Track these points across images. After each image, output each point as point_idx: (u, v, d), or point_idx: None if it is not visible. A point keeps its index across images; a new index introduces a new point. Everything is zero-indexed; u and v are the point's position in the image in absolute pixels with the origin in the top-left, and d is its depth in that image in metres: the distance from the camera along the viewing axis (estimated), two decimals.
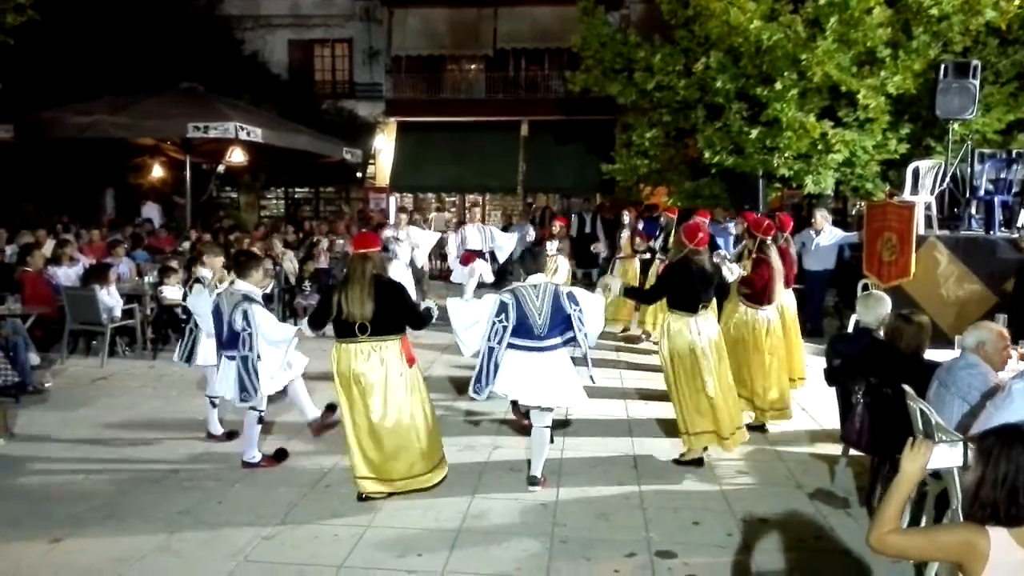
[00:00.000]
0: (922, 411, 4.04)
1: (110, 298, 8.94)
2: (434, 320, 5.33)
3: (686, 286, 5.62)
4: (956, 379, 4.19)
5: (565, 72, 15.57)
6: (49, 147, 12.98)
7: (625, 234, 11.09)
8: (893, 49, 10.37)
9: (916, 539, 2.44)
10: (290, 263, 11.74)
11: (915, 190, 8.70)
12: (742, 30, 10.73)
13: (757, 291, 6.43)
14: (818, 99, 10.89)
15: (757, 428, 6.47)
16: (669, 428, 6.19)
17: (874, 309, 5.30)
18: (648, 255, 10.33)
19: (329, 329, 5.19)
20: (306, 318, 5.43)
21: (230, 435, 6.22)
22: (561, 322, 5.12)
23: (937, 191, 8.74)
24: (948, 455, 2.35)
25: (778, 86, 10.58)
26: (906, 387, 4.29)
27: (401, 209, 13.02)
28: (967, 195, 8.56)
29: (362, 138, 19.17)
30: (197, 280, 6.32)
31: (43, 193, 14.82)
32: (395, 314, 5.02)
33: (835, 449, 5.70)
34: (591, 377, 5.34)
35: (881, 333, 5.13)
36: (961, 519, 3.48)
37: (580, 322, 5.12)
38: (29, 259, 9.18)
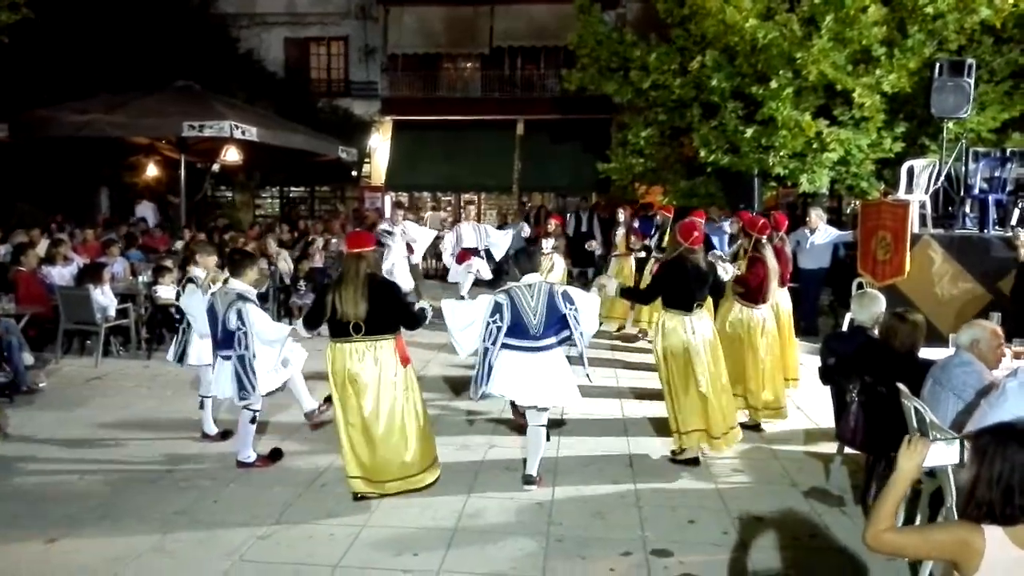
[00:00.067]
0: (916, 409, 4.05)
1: (104, 298, 8.92)
2: (428, 320, 5.32)
3: (681, 285, 5.63)
4: (951, 377, 4.20)
5: (561, 71, 15.57)
6: (44, 146, 12.92)
7: (620, 232, 11.10)
8: (888, 48, 10.39)
9: (911, 537, 2.44)
10: (285, 262, 11.71)
11: (910, 189, 8.71)
12: (738, 29, 10.74)
13: (751, 290, 6.43)
14: (813, 98, 10.91)
15: (752, 427, 6.49)
16: (664, 427, 6.19)
17: (869, 308, 5.31)
18: (643, 253, 10.35)
19: (324, 329, 5.18)
20: (301, 318, 5.43)
21: (224, 435, 6.21)
22: (556, 322, 5.12)
23: (932, 190, 8.76)
24: (944, 453, 2.35)
25: (773, 85, 10.60)
26: (901, 385, 4.30)
27: (397, 204, 12.98)
28: (961, 194, 8.58)
29: (358, 137, 19.13)
30: (190, 280, 6.30)
31: (38, 192, 14.77)
32: (389, 314, 5.01)
33: (830, 447, 5.71)
34: (587, 375, 5.35)
35: (876, 332, 5.13)
36: (956, 517, 3.49)
37: (576, 321, 5.11)
38: (23, 258, 9.14)
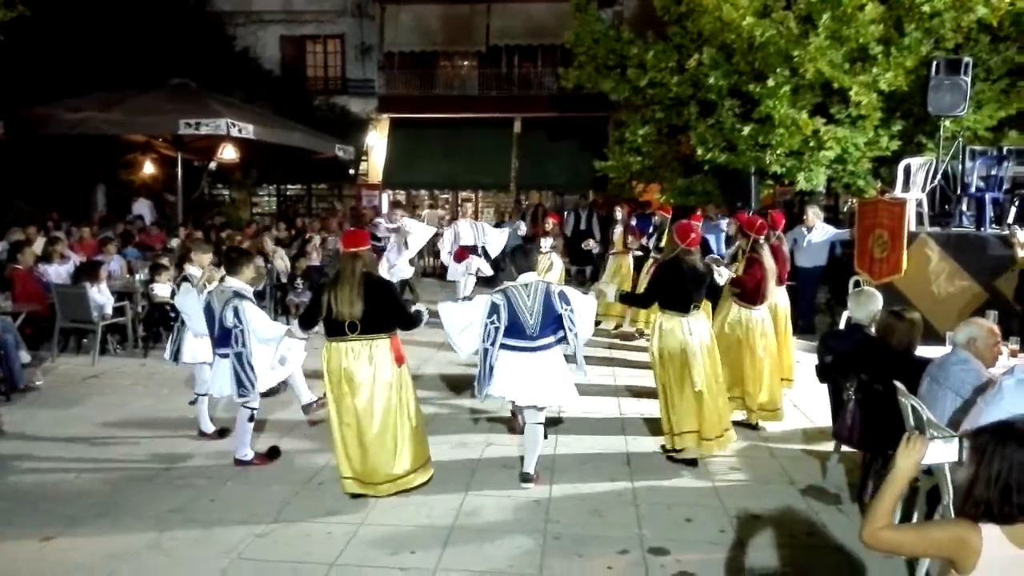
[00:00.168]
0: (913, 407, 4.06)
1: (101, 296, 8.90)
2: (424, 323, 5.32)
3: (678, 286, 5.62)
4: (949, 375, 4.21)
5: (558, 68, 15.56)
6: (40, 143, 12.89)
7: (618, 230, 11.10)
8: (885, 46, 10.40)
9: (909, 535, 2.44)
10: (281, 260, 11.70)
11: (906, 187, 8.72)
12: (735, 26, 10.75)
13: (748, 291, 6.43)
14: (810, 96, 10.92)
15: (750, 426, 6.49)
16: (661, 426, 6.20)
17: (865, 306, 5.32)
18: (640, 252, 10.35)
19: (321, 327, 5.18)
20: (297, 318, 5.42)
21: (222, 433, 6.20)
22: (552, 321, 5.12)
23: (928, 188, 8.77)
24: (943, 451, 2.35)
25: (770, 83, 10.60)
26: (897, 383, 4.30)
27: (395, 204, 12.96)
28: (958, 192, 8.60)
29: (354, 134, 19.11)
30: (185, 279, 6.29)
31: (34, 190, 14.72)
32: (385, 313, 5.01)
33: (827, 446, 5.72)
34: (584, 373, 5.34)
35: (872, 330, 5.14)
36: (952, 515, 3.49)
37: (571, 322, 5.12)
38: (19, 256, 9.12)
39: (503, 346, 5.12)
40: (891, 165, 10.26)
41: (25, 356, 7.83)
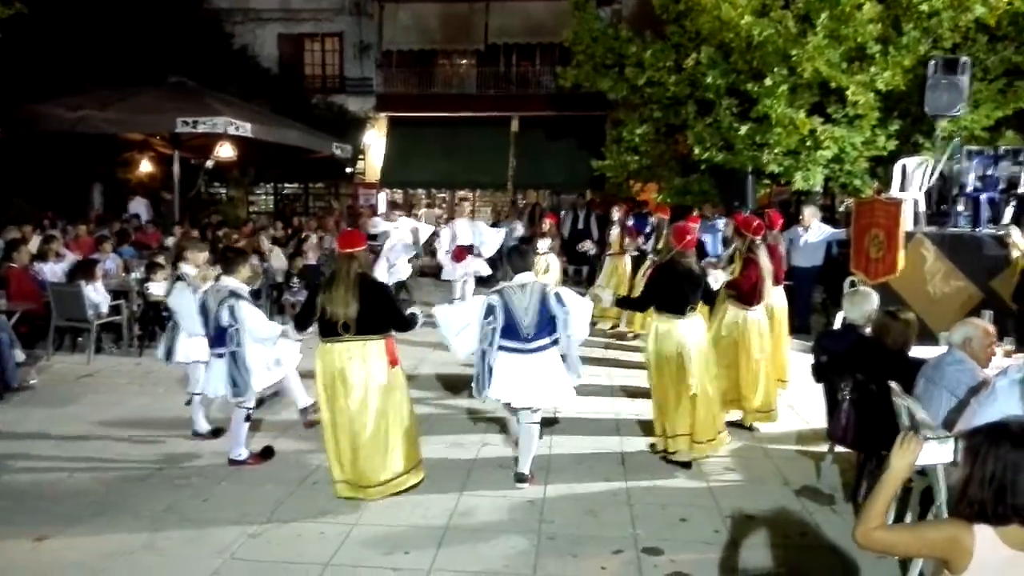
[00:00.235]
0: (908, 408, 4.05)
1: (96, 294, 8.88)
2: (419, 325, 5.31)
3: (673, 288, 5.61)
4: (944, 375, 4.21)
5: (556, 67, 15.57)
6: (37, 141, 12.88)
7: (615, 231, 11.09)
8: (883, 45, 10.40)
9: (902, 535, 2.44)
10: (278, 259, 11.68)
11: (903, 187, 8.73)
12: (733, 26, 10.75)
13: (744, 292, 6.41)
14: (808, 95, 10.92)
15: (744, 427, 6.49)
16: (653, 427, 6.20)
17: (861, 306, 5.31)
18: (637, 253, 10.34)
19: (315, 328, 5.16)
20: (292, 318, 5.41)
21: (216, 432, 6.19)
22: (548, 323, 5.11)
23: (925, 188, 8.77)
24: (938, 451, 2.35)
25: (768, 82, 10.60)
26: (892, 384, 4.30)
27: (392, 204, 12.94)
28: (955, 192, 8.59)
29: (352, 133, 19.10)
30: (179, 278, 6.27)
31: (30, 188, 14.71)
32: (379, 315, 4.99)
33: (822, 446, 5.72)
34: (577, 375, 5.32)
35: (868, 330, 5.14)
36: (945, 515, 3.49)
37: (565, 324, 5.11)
38: (15, 255, 9.09)
39: (500, 347, 5.11)
40: (888, 165, 10.26)
41: (20, 355, 7.82)
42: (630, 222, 11.40)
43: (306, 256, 11.80)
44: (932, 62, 8.82)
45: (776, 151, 11.06)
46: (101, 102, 11.84)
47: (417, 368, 8.44)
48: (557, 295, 5.15)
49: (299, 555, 4.28)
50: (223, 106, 12.27)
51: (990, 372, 4.13)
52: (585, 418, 6.75)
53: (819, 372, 5.37)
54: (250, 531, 4.56)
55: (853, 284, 8.23)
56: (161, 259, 9.42)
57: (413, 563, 4.20)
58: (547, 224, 11.11)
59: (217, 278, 5.70)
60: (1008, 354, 5.16)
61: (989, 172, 8.36)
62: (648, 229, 10.53)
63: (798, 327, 9.23)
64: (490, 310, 5.08)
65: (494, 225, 13.54)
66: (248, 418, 5.63)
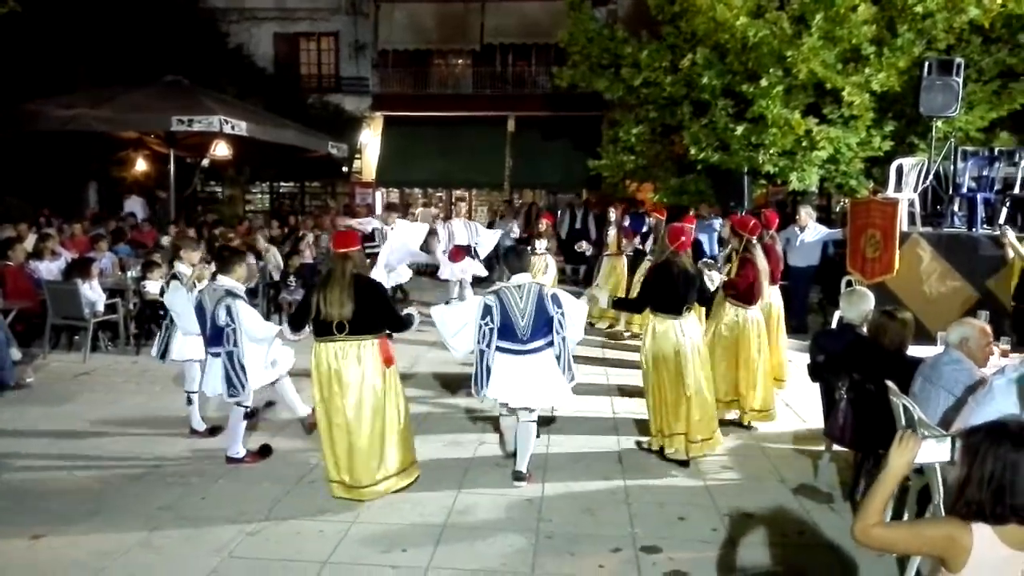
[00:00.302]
0: (905, 407, 4.07)
1: (92, 292, 8.87)
2: (415, 326, 5.31)
3: (669, 288, 5.63)
4: (941, 374, 4.22)
5: (552, 67, 15.56)
6: (32, 140, 12.85)
7: (612, 232, 11.11)
8: (878, 46, 10.42)
9: (900, 532, 2.45)
10: (274, 258, 11.67)
11: (899, 187, 8.75)
12: (728, 27, 10.76)
13: (741, 292, 6.44)
14: (803, 96, 10.94)
15: (742, 426, 6.51)
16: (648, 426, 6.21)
17: (857, 305, 5.34)
18: (632, 253, 10.35)
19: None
20: (288, 318, 5.40)
21: (213, 430, 6.19)
22: (544, 324, 5.12)
23: (920, 188, 8.80)
24: (936, 450, 2.36)
25: (763, 83, 10.61)
26: (889, 383, 4.32)
27: (390, 206, 12.87)
28: (950, 192, 8.62)
29: (348, 132, 19.08)
30: (174, 276, 6.25)
31: (26, 186, 14.67)
32: (374, 315, 4.99)
33: (819, 445, 5.73)
34: (571, 377, 5.30)
35: (864, 329, 5.15)
36: (943, 514, 3.50)
37: (560, 325, 5.12)
38: (10, 253, 9.06)
39: (497, 348, 5.12)
40: (883, 165, 10.28)
41: (16, 353, 7.79)
42: (626, 222, 11.41)
43: (303, 255, 11.80)
44: (926, 63, 8.84)
45: (772, 151, 11.07)
46: (94, 101, 11.81)
47: (414, 367, 8.44)
48: (554, 296, 5.16)
49: (297, 553, 4.28)
50: (218, 105, 12.25)
51: (987, 371, 4.15)
52: (583, 417, 6.76)
53: (816, 371, 5.39)
54: (248, 529, 4.56)
55: (850, 284, 8.25)
56: (157, 257, 9.40)
57: (411, 561, 4.20)
58: (544, 224, 11.12)
59: (213, 277, 5.69)
60: (1005, 353, 5.18)
61: (984, 173, 8.39)
62: (645, 229, 10.54)
63: (795, 327, 9.26)
64: (487, 311, 5.09)
65: (490, 226, 13.53)
66: (247, 416, 5.63)
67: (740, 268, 6.47)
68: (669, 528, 4.65)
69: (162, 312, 6.55)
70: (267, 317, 10.08)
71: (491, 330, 5.08)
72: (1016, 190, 8.21)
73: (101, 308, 8.93)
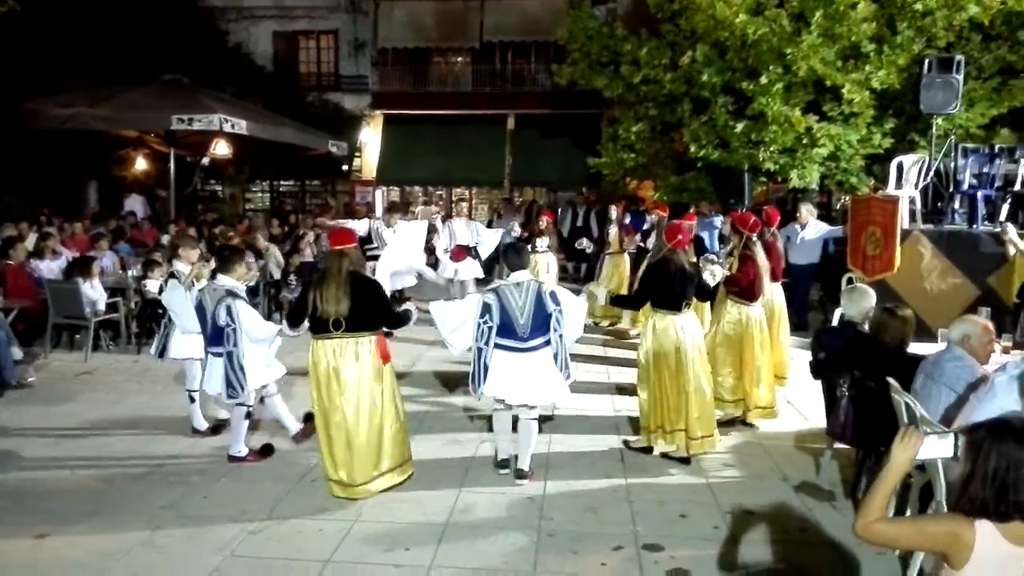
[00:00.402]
0: (907, 404, 4.07)
1: (93, 291, 8.86)
2: (414, 322, 5.31)
3: (668, 285, 5.63)
4: (943, 371, 4.23)
5: (552, 65, 15.55)
6: (32, 139, 12.84)
7: (613, 230, 11.10)
8: (877, 44, 10.41)
9: (903, 527, 2.45)
10: (275, 257, 11.66)
11: (899, 184, 8.74)
12: (728, 24, 10.74)
13: (742, 289, 6.45)
14: (803, 93, 10.93)
15: (745, 423, 6.51)
16: (640, 422, 6.19)
17: (858, 303, 5.33)
18: (635, 251, 10.34)
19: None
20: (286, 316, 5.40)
21: (215, 429, 6.19)
22: (543, 322, 5.11)
23: (921, 185, 8.79)
24: (938, 446, 2.36)
25: (763, 80, 10.61)
26: (891, 380, 4.32)
27: (391, 207, 12.83)
28: (950, 189, 8.61)
29: (348, 131, 19.07)
30: (172, 275, 6.25)
31: (26, 185, 14.67)
32: (371, 312, 4.99)
33: (820, 442, 5.73)
34: (568, 376, 5.29)
35: (866, 327, 5.15)
36: (945, 511, 3.51)
37: (558, 323, 5.11)
38: (11, 252, 9.06)
39: (496, 346, 5.11)
40: (884, 162, 10.27)
41: (17, 352, 7.80)
42: (627, 220, 11.40)
43: (303, 253, 11.79)
44: (926, 61, 8.83)
45: (772, 149, 11.07)
46: (92, 100, 11.79)
47: (413, 365, 8.44)
48: (552, 294, 5.16)
49: (299, 552, 4.29)
50: (218, 103, 12.24)
51: (989, 368, 4.15)
52: (584, 415, 6.77)
53: (817, 369, 5.38)
54: (250, 528, 4.56)
55: (850, 281, 8.24)
56: (158, 256, 9.40)
57: (413, 559, 4.20)
58: (544, 222, 11.11)
59: (213, 276, 5.69)
60: (1006, 350, 5.18)
61: (985, 170, 8.37)
62: (646, 227, 10.53)
63: (796, 324, 9.26)
64: (486, 309, 5.09)
65: (489, 224, 13.52)
66: (249, 415, 5.63)
67: (741, 265, 6.47)
68: (671, 526, 4.65)
69: (162, 311, 6.54)
70: (268, 316, 10.09)
71: (490, 328, 5.08)
72: (1017, 187, 8.21)
73: (102, 307, 8.93)
